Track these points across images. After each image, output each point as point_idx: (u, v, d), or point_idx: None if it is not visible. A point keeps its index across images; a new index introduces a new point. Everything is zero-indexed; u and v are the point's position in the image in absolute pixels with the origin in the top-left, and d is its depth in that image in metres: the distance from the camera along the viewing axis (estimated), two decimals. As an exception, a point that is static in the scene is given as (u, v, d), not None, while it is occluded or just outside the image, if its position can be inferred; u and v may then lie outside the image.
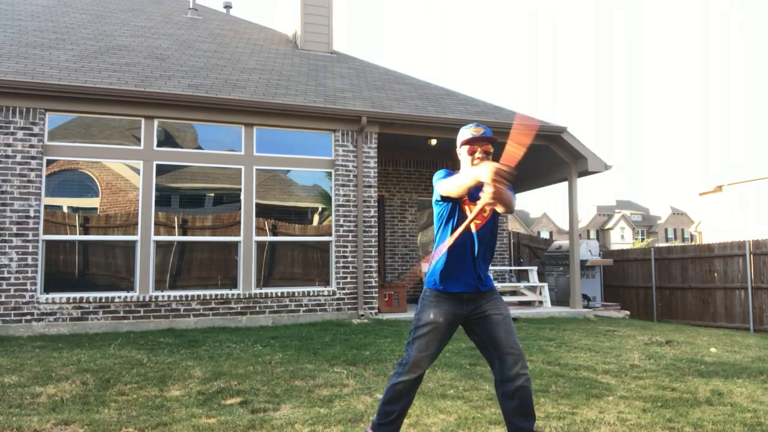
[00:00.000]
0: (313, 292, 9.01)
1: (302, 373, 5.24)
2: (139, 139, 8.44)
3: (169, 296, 8.25)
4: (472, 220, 2.81)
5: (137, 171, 8.39)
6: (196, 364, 5.56)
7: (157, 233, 8.38)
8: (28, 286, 7.63)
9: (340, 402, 4.30)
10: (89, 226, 8.19)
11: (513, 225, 56.44)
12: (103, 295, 7.95)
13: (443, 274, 3.04)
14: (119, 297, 8.00)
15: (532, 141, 2.63)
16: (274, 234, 9.11)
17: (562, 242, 13.06)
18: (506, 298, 11.43)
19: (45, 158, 7.94)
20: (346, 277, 9.20)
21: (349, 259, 9.26)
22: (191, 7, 13.55)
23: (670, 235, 78.35)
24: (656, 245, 23.01)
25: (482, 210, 2.89)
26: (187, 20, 12.92)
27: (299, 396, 4.50)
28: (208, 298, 8.41)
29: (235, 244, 8.79)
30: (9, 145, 7.73)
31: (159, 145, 8.53)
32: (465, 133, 3.04)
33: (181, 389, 4.67)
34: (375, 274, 9.38)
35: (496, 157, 2.78)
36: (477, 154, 2.97)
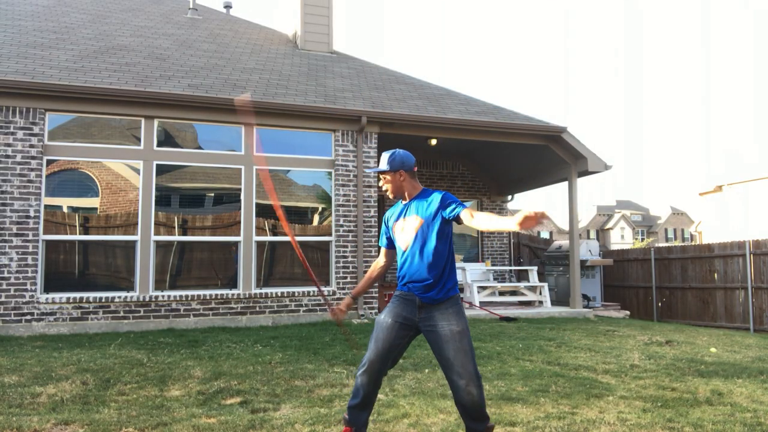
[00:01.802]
0: (313, 292, 9.00)
1: (302, 373, 5.24)
2: (139, 139, 8.44)
3: (169, 296, 8.25)
4: None
5: (137, 171, 8.39)
6: (196, 364, 5.56)
7: (157, 233, 8.38)
8: (28, 286, 7.63)
9: (340, 402, 4.30)
10: (89, 226, 8.20)
11: (513, 225, 56.29)
12: (103, 295, 7.95)
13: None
14: (119, 297, 8.00)
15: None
16: (274, 234, 9.11)
17: (562, 242, 13.06)
18: (506, 298, 11.43)
19: (45, 158, 7.94)
20: (346, 277, 9.20)
21: (349, 259, 9.26)
22: (191, 7, 13.55)
23: (670, 235, 78.35)
24: (656, 245, 23.00)
25: None
26: (187, 20, 12.92)
27: (299, 396, 4.50)
28: (208, 297, 8.41)
29: (234, 244, 8.79)
30: (9, 145, 7.73)
31: (159, 145, 8.53)
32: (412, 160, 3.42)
33: (181, 389, 4.67)
34: (375, 274, 9.36)
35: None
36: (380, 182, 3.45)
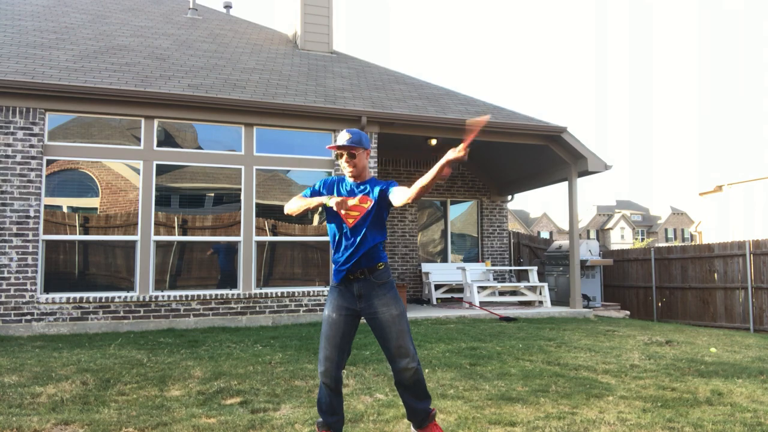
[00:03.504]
0: (313, 292, 9.01)
1: (302, 373, 5.24)
2: (139, 139, 8.44)
3: (169, 296, 8.25)
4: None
5: (137, 171, 8.39)
6: (196, 364, 5.56)
7: (157, 233, 8.38)
8: (28, 286, 7.63)
9: (340, 402, 4.30)
10: (89, 226, 8.19)
11: (513, 225, 56.43)
12: (103, 295, 7.95)
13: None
14: (119, 297, 8.00)
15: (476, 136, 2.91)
16: (274, 234, 9.11)
17: (562, 242, 13.06)
18: (506, 298, 11.43)
19: (45, 158, 7.94)
20: (346, 277, 9.18)
21: (349, 259, 9.24)
22: (191, 7, 13.55)
23: (670, 235, 78.34)
24: (656, 245, 22.99)
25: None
26: (187, 20, 12.92)
27: (299, 396, 4.50)
28: (208, 298, 8.41)
29: (235, 244, 8.79)
30: (9, 145, 7.73)
31: (159, 145, 8.53)
32: (337, 138, 3.42)
33: (181, 389, 4.67)
34: (375, 274, 9.36)
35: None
36: (344, 158, 3.33)
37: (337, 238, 3.34)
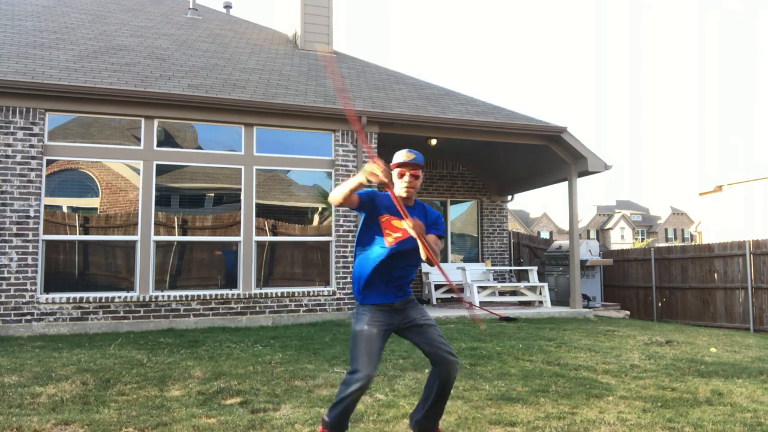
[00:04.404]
0: (313, 292, 9.01)
1: (302, 373, 5.24)
2: (139, 139, 8.44)
3: (169, 296, 8.24)
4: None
5: (137, 171, 8.39)
6: (196, 364, 5.56)
7: (157, 233, 8.38)
8: (28, 286, 7.63)
9: (340, 402, 4.30)
10: (89, 226, 8.20)
11: (513, 225, 56.45)
12: (103, 295, 7.95)
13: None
14: (119, 297, 8.00)
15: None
16: (274, 234, 9.11)
17: (562, 242, 13.06)
18: (506, 298, 11.43)
19: (45, 158, 7.94)
20: (346, 277, 9.20)
21: (349, 259, 9.25)
22: (191, 7, 13.55)
23: (670, 235, 78.36)
24: (656, 245, 23.00)
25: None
26: (187, 20, 12.92)
27: (299, 396, 4.50)
28: (208, 298, 8.41)
29: (235, 244, 8.79)
30: (9, 145, 7.73)
31: (159, 145, 8.53)
32: (397, 156, 3.29)
33: (181, 389, 4.67)
34: (375, 274, 9.35)
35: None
36: (406, 177, 3.25)
37: (378, 250, 3.24)
